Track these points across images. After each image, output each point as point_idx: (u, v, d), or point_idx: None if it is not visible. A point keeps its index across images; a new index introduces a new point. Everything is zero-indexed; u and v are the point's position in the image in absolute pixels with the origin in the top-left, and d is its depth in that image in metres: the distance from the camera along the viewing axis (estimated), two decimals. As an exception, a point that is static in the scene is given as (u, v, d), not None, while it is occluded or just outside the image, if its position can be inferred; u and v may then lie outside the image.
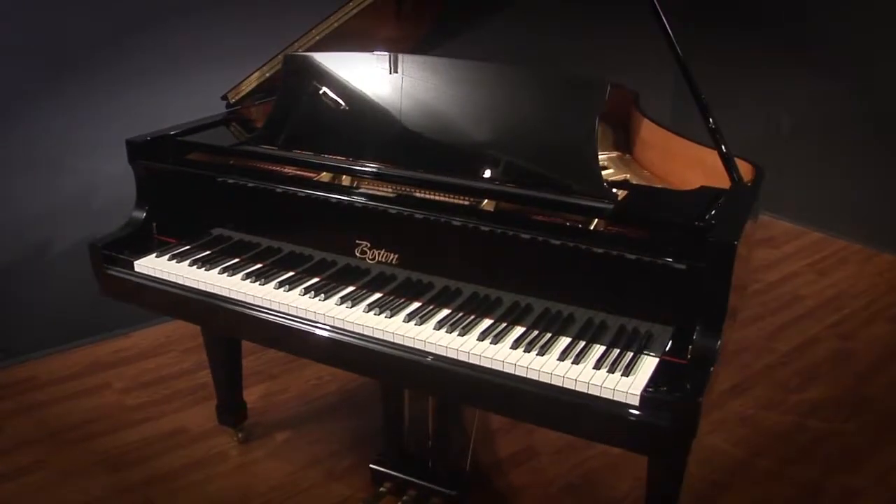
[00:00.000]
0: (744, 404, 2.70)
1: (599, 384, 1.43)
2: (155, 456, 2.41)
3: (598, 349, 1.55)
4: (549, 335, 1.60)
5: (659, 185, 2.06)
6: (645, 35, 4.46)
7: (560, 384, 1.46)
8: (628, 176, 2.19)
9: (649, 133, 2.31)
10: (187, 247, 2.03)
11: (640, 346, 1.54)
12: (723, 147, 1.79)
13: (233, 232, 2.01)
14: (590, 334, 1.59)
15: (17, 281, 2.84)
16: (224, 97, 2.34)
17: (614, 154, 2.37)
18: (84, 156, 2.83)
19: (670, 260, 1.47)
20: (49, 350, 2.96)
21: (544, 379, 1.47)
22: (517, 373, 1.50)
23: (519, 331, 1.62)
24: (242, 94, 2.33)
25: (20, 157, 2.73)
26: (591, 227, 1.60)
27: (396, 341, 1.62)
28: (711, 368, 1.40)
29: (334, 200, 1.79)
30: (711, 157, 1.87)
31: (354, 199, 1.77)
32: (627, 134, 2.46)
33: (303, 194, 1.84)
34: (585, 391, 1.44)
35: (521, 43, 3.67)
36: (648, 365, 1.49)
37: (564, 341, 1.58)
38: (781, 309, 3.37)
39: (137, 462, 2.38)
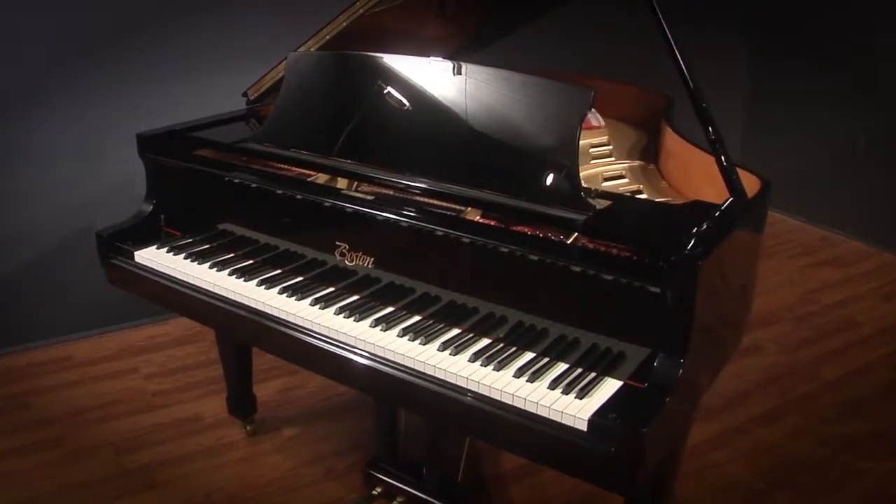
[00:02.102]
0: (774, 433, 2.53)
1: (548, 405, 1.35)
2: (165, 441, 2.48)
3: (561, 367, 1.47)
4: (514, 349, 1.53)
5: (662, 198, 1.95)
6: (709, 37, 4.31)
7: (509, 402, 1.39)
8: (641, 186, 2.09)
9: (672, 142, 2.20)
10: (189, 240, 2.07)
11: (606, 368, 1.45)
12: (722, 158, 1.67)
13: (236, 227, 2.03)
14: (557, 351, 1.51)
15: (61, 265, 2.97)
16: (244, 94, 2.38)
17: (636, 163, 2.27)
18: (126, 145, 2.92)
19: (633, 279, 1.38)
20: (88, 332, 3.09)
21: (494, 395, 1.41)
22: (469, 386, 1.44)
23: (484, 343, 1.56)
24: (262, 90, 2.36)
25: (63, 146, 2.86)
26: (566, 240, 1.52)
27: (357, 346, 1.59)
28: (667, 399, 1.30)
29: (313, 201, 1.78)
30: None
31: (330, 200, 1.75)
32: (657, 141, 2.35)
33: (287, 194, 1.83)
34: (534, 411, 1.37)
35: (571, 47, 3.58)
36: (608, 388, 1.40)
37: (527, 357, 1.51)
38: (833, 334, 3.14)
39: (147, 446, 2.45)
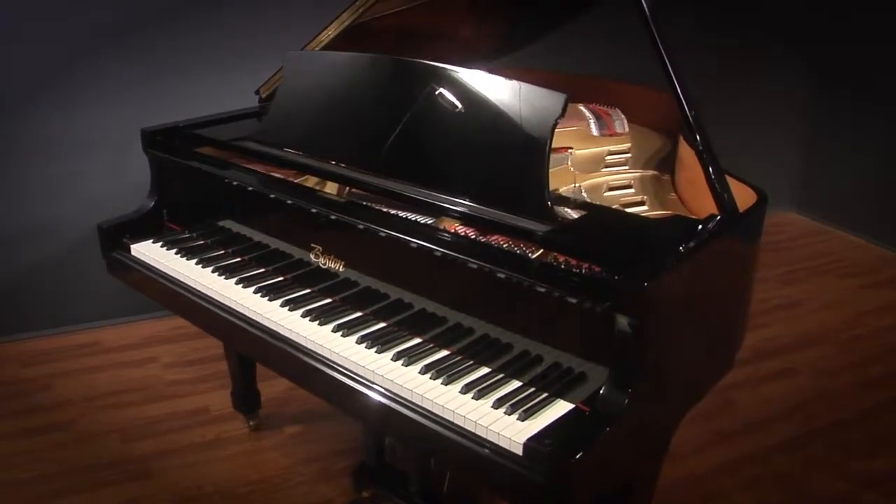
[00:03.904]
0: (792, 462, 2.38)
1: (486, 425, 1.30)
2: (170, 431, 2.52)
3: (513, 385, 1.41)
4: (471, 363, 1.48)
5: (662, 211, 1.86)
6: (772, 50, 4.12)
7: (450, 417, 1.34)
8: (644, 198, 2.00)
9: (685, 152, 2.09)
10: (186, 236, 2.10)
11: (561, 389, 1.38)
12: (710, 170, 1.57)
13: (233, 225, 2.03)
14: (515, 368, 1.45)
15: (97, 253, 3.06)
16: (257, 92, 2.39)
17: (650, 173, 2.17)
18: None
19: (581, 298, 1.30)
20: (120, 319, 3.18)
21: (435, 409, 1.36)
22: (413, 399, 1.40)
23: (441, 355, 1.51)
24: (273, 88, 2.36)
25: (99, 137, 2.95)
26: (535, 251, 1.46)
27: (315, 350, 1.57)
28: (607, 429, 1.22)
29: (288, 202, 1.76)
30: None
31: (302, 202, 1.73)
32: (676, 151, 2.24)
33: (267, 194, 1.82)
34: (472, 430, 1.31)
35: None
36: (556, 411, 1.33)
37: (481, 372, 1.45)
38: (877, 360, 2.93)
39: (152, 435, 2.50)
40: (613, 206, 1.77)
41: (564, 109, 1.53)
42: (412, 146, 1.71)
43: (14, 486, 2.27)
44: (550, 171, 1.99)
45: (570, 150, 2.19)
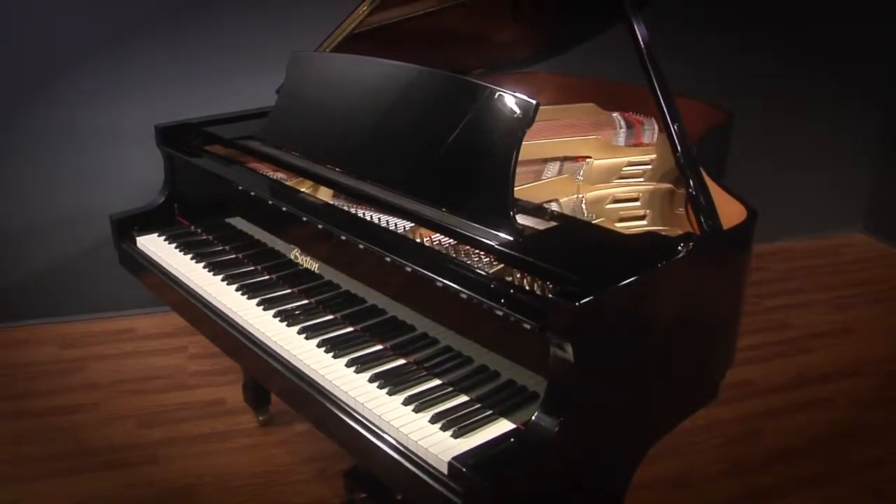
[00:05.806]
0: (814, 501, 2.22)
1: (417, 439, 1.27)
2: (183, 420, 2.59)
3: (459, 400, 1.37)
4: (423, 374, 1.45)
5: (661, 227, 1.77)
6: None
7: (385, 428, 1.32)
8: (647, 212, 1.92)
9: (697, 164, 1.99)
10: (191, 231, 2.15)
11: (508, 408, 1.33)
12: (691, 183, 1.49)
13: (238, 222, 2.06)
14: (467, 383, 1.41)
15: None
16: (278, 91, 2.42)
17: (665, 186, 2.07)
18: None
19: (519, 315, 1.25)
20: (155, 308, 3.27)
21: (373, 419, 1.34)
22: (354, 406, 1.38)
23: (396, 364, 1.49)
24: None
25: (134, 127, 3.03)
26: (495, 262, 1.41)
27: (278, 352, 1.57)
28: (533, 455, 1.16)
29: (275, 204, 1.78)
30: (722, 201, 1.61)
31: (285, 204, 1.73)
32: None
33: (259, 195, 1.84)
34: (404, 443, 1.28)
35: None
36: (494, 430, 1.29)
37: (430, 384, 1.42)
38: (924, 396, 2.72)
39: (166, 423, 2.57)
40: (596, 220, 1.69)
41: (534, 117, 1.47)
42: (390, 150, 1.69)
43: (32, 460, 2.38)
44: (555, 179, 1.96)
45: (587, 160, 2.13)
